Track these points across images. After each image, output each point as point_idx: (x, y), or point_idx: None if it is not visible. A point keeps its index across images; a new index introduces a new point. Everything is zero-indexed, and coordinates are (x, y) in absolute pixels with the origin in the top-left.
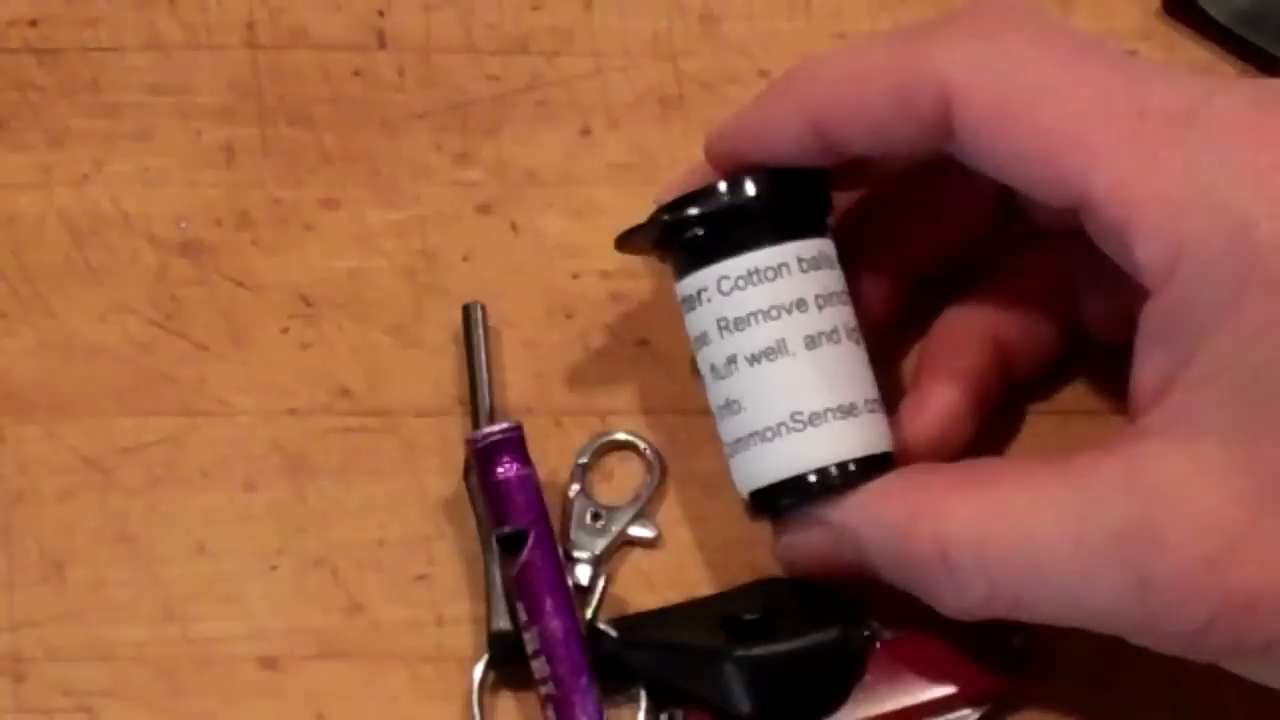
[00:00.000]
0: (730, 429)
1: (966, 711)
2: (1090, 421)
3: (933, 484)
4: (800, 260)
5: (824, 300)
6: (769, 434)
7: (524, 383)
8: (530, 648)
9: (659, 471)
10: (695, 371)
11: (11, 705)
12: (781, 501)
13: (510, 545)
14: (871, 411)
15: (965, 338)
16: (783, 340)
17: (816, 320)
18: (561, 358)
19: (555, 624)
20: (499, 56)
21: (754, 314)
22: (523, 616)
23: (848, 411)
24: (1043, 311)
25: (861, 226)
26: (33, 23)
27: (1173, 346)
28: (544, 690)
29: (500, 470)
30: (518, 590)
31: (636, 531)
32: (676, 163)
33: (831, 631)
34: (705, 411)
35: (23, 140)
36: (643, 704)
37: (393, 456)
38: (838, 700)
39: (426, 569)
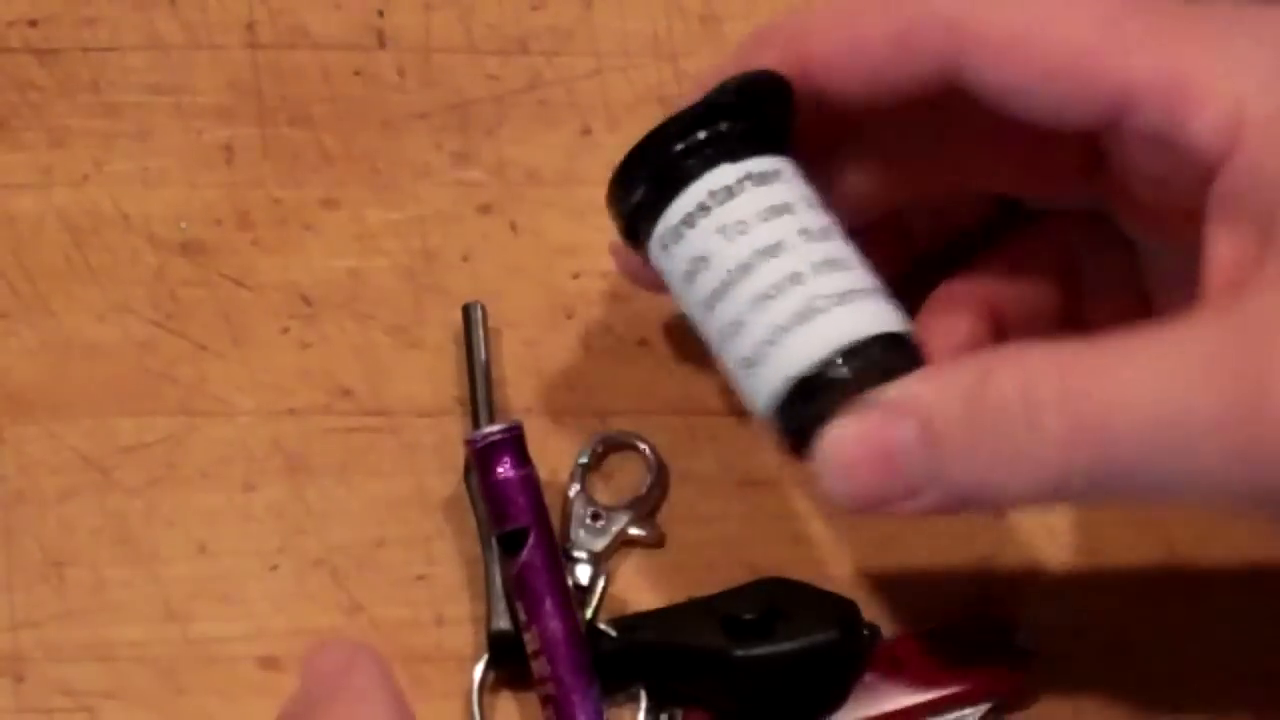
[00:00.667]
0: (761, 327)
1: (967, 711)
2: None
3: (1011, 348)
4: (794, 172)
5: (810, 203)
6: (810, 312)
7: (524, 383)
8: (530, 648)
9: (659, 471)
10: (689, 315)
11: (11, 705)
12: (839, 374)
13: (510, 545)
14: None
15: (962, 308)
16: (781, 241)
17: (810, 218)
18: (561, 358)
19: (555, 624)
20: (499, 56)
21: (753, 216)
22: (522, 616)
23: (875, 292)
24: (1042, 284)
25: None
26: (33, 23)
27: (1251, 219)
28: (544, 690)
29: (500, 470)
30: (518, 590)
31: (636, 531)
32: None
33: (831, 631)
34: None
35: (23, 140)
36: (643, 704)
37: (393, 456)
38: (838, 700)
39: (426, 569)
